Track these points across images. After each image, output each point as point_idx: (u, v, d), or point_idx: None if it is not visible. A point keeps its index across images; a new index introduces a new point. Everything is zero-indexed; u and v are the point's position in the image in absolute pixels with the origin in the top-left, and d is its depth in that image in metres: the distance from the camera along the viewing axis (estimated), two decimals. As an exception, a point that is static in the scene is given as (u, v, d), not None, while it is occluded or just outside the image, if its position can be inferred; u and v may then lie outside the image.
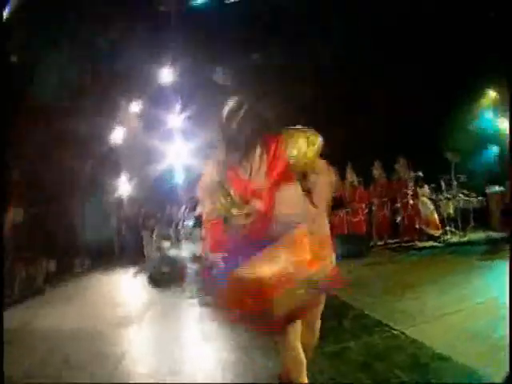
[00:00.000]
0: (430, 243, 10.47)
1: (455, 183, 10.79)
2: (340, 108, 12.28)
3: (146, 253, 11.69)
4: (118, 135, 12.39)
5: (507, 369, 2.83)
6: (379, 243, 11.45)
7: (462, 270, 7.19)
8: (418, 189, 11.23)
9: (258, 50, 12.27)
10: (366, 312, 5.12)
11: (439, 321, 4.55)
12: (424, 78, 11.47)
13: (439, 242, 10.38)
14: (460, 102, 11.95)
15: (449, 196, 11.09)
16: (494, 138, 12.53)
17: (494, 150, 12.62)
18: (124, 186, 13.02)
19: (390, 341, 4.11)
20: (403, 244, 10.88)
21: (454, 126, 11.90)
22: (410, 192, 11.16)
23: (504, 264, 7.48)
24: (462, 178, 10.83)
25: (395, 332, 4.32)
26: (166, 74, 11.42)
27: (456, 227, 10.73)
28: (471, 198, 10.98)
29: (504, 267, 7.28)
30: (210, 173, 2.94)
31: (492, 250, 8.66)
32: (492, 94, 12.73)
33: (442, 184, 11.23)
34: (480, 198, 11.06)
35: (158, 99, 11.78)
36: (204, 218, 2.94)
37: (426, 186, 11.19)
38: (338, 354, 3.88)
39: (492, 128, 12.72)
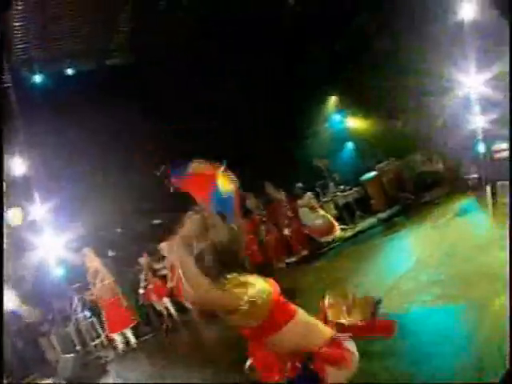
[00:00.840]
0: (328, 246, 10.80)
1: (332, 184, 11.39)
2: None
3: (50, 359, 10.47)
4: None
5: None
6: (281, 265, 11.54)
7: (373, 252, 7.50)
8: (298, 201, 11.55)
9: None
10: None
11: (392, 292, 4.56)
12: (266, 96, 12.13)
13: (335, 242, 10.73)
14: (308, 113, 12.79)
15: (326, 199, 11.64)
16: (347, 136, 13.61)
17: (350, 145, 13.70)
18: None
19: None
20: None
21: (311, 135, 12.68)
22: (287, 208, 11.45)
23: (404, 232, 8.04)
24: (337, 177, 11.48)
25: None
26: (16, 165, 10.57)
27: (344, 223, 11.25)
28: (348, 192, 11.65)
29: (406, 234, 7.82)
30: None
31: (387, 227, 9.24)
32: (334, 98, 13.82)
33: (318, 189, 11.76)
34: (356, 188, 11.80)
35: (14, 192, 10.83)
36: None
37: (308, 194, 11.54)
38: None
39: (342, 127, 13.80)
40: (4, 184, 8.65)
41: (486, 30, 10.91)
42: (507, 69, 11.12)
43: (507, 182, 13.71)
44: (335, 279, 7.11)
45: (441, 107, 11.53)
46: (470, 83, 11.67)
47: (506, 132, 12.52)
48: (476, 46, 11.36)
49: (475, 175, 10.85)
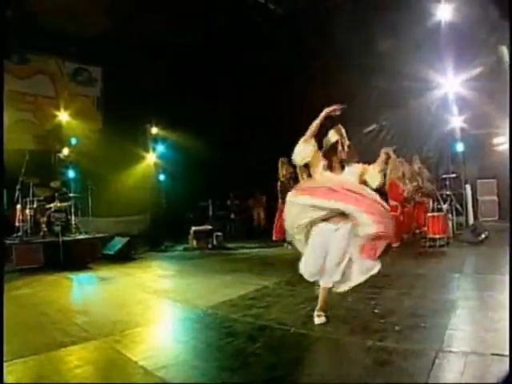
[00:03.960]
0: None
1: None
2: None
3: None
4: None
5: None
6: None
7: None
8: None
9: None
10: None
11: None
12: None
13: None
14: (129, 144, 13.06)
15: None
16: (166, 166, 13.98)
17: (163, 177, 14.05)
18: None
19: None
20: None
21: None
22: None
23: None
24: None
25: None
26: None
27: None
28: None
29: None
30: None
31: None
32: (151, 128, 13.95)
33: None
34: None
35: None
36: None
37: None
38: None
39: (166, 157, 14.01)
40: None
41: (463, 32, 11.14)
42: (482, 69, 11.44)
43: (489, 180, 14.04)
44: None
45: (419, 108, 11.75)
46: (448, 84, 11.90)
47: (482, 131, 12.85)
48: (453, 47, 11.57)
49: (454, 174, 11.05)
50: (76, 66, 13.38)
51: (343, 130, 4.07)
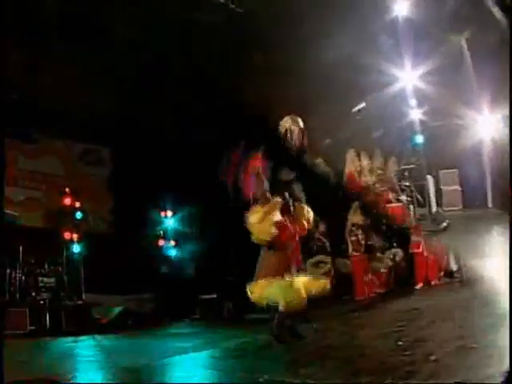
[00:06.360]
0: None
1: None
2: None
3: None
4: None
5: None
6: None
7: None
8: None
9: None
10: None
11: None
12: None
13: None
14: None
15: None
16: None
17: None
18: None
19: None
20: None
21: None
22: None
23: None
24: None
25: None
26: None
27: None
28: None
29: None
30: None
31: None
32: None
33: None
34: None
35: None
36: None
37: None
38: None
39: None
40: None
41: (420, 27, 11.32)
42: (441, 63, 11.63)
43: (451, 170, 14.31)
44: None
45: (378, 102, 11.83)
46: (406, 78, 12.08)
47: (442, 123, 13.10)
48: (411, 42, 11.74)
49: (413, 165, 11.18)
50: (84, 146, 13.18)
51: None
